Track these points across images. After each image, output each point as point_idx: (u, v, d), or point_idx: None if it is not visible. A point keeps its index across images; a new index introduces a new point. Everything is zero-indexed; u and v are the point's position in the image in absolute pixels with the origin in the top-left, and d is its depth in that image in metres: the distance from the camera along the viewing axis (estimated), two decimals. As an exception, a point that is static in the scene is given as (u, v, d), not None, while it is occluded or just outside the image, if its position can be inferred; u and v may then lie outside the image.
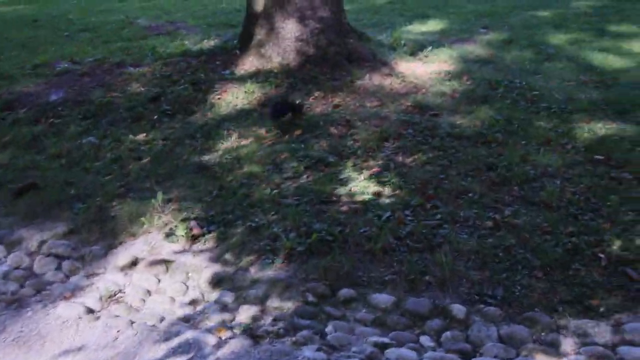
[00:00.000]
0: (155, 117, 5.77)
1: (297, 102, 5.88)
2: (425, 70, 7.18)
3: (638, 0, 12.12)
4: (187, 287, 3.46)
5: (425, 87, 6.67)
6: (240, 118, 5.82)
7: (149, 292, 3.44)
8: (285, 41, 6.97)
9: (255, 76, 6.61)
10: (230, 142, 5.29)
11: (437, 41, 8.68)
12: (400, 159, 4.93)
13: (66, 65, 7.00)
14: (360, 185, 4.48)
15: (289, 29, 6.95)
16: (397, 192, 4.38)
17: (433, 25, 10.03)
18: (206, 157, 4.99)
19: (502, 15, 11.09)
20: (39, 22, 10.18)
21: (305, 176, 4.63)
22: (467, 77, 6.97)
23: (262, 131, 5.46)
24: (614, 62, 7.85)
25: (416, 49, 8.02)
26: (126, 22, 10.11)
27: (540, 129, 5.53)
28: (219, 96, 6.21)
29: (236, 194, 4.34)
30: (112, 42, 8.49)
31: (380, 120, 5.78)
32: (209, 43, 7.67)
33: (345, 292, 3.30)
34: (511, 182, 4.52)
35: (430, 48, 8.06)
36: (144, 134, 5.44)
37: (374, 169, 4.72)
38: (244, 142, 5.32)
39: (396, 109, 6.06)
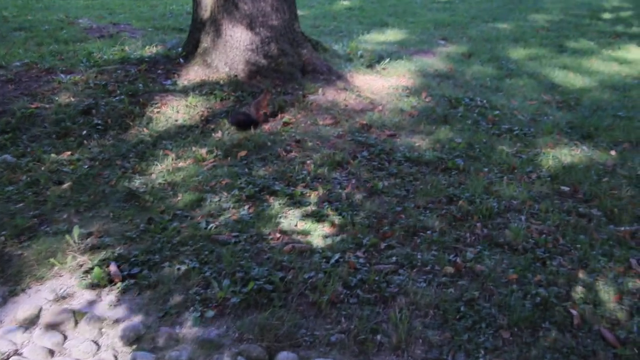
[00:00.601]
0: (85, 132, 5.19)
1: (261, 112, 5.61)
2: (383, 84, 6.78)
3: (594, 16, 12.02)
4: (99, 347, 2.93)
5: (382, 103, 6.25)
6: (180, 135, 5.29)
7: (51, 353, 2.89)
8: (234, 50, 6.46)
9: (200, 88, 6.08)
10: (166, 163, 4.76)
11: (395, 52, 8.30)
12: (353, 187, 4.48)
13: (-11, 69, 6.33)
14: (308, 219, 4.01)
15: (238, 37, 6.44)
16: (348, 227, 3.92)
17: (392, 35, 9.66)
18: (137, 182, 4.45)
19: (462, 26, 10.81)
20: (-31, 18, 9.39)
21: (247, 207, 4.14)
22: (426, 93, 6.59)
23: (203, 151, 4.95)
24: (575, 80, 7.60)
25: (374, 60, 7.62)
26: (66, 21, 9.42)
27: (504, 155, 5.17)
28: (157, 109, 5.66)
29: (167, 228, 3.82)
30: (46, 44, 7.82)
31: (333, 141, 5.33)
32: (151, 50, 7.09)
33: (284, 356, 2.82)
34: (473, 217, 4.12)
35: (388, 60, 7.67)
36: (69, 152, 4.85)
37: (323, 200, 4.26)
38: (181, 164, 4.79)
39: (350, 127, 5.62)
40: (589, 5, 13.39)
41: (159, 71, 6.41)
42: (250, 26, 6.43)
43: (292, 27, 6.76)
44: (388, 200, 4.34)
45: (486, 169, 4.91)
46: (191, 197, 4.23)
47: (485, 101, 6.54)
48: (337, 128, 5.62)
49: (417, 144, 5.35)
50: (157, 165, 4.74)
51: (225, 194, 4.31)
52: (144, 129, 5.31)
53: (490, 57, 8.52)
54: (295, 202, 4.23)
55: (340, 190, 4.43)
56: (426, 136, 5.55)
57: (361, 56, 7.68)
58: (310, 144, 5.22)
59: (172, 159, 4.83)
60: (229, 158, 4.91)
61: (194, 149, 5.00)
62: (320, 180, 4.59)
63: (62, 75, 6.14)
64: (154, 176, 4.57)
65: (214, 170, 4.68)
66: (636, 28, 11.09)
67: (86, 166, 4.63)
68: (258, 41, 6.47)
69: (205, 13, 6.62)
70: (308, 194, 4.34)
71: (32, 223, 3.82)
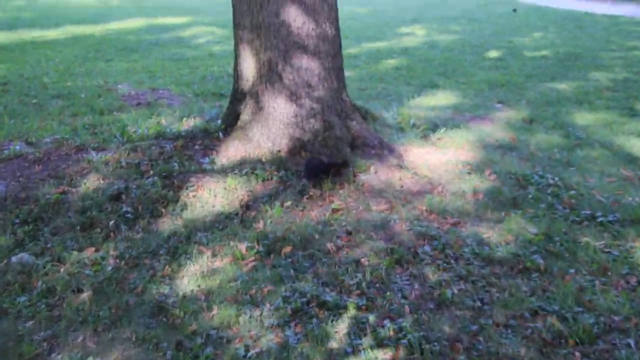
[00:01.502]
0: (112, 223, 4.66)
1: (336, 160, 5.62)
2: (440, 159, 6.13)
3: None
4: None
5: (441, 182, 5.59)
6: (217, 226, 4.71)
7: None
8: (276, 123, 5.92)
9: (239, 167, 5.54)
10: (201, 263, 4.17)
11: (450, 119, 7.67)
12: (417, 296, 3.80)
13: (18, 147, 5.92)
14: (365, 344, 3.33)
15: (280, 109, 5.91)
16: (416, 356, 3.23)
17: (443, 98, 9.06)
18: (167, 290, 3.85)
19: (517, 86, 10.15)
20: (7, 85, 9.17)
21: (292, 326, 3.49)
22: (489, 170, 5.91)
23: (242, 247, 4.34)
24: (655, 151, 6.81)
25: (427, 129, 7.01)
26: (104, 88, 9.12)
27: (590, 250, 4.42)
28: (194, 193, 5.11)
29: (198, 357, 3.19)
30: (81, 114, 7.45)
31: (388, 231, 4.68)
32: (188, 122, 6.62)
33: None
34: (568, 340, 3.38)
35: (443, 129, 7.03)
36: (93, 249, 4.31)
37: (384, 315, 3.58)
38: (217, 263, 4.19)
39: (408, 214, 4.97)
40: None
41: (196, 147, 5.91)
42: (295, 97, 5.91)
43: (340, 98, 6.22)
44: (460, 315, 3.63)
45: (572, 270, 4.17)
46: (228, 311, 3.61)
47: (557, 179, 5.81)
48: (393, 214, 4.97)
49: (485, 235, 4.65)
50: (191, 264, 4.15)
51: (268, 306, 3.67)
52: (178, 218, 4.76)
53: (554, 123, 7.81)
54: (350, 317, 3.56)
55: (402, 301, 3.75)
56: (495, 224, 4.86)
57: (414, 125, 7.08)
58: (363, 236, 4.58)
59: (208, 258, 4.24)
60: (272, 255, 4.29)
61: (232, 243, 4.40)
62: (377, 286, 3.92)
63: (94, 154, 5.69)
64: (186, 280, 3.97)
65: (255, 272, 4.06)
66: None
67: (110, 268, 4.07)
68: (303, 114, 5.93)
69: (247, 84, 6.14)
70: (364, 307, 3.66)
71: (41, 350, 3.24)
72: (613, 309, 3.69)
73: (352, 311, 3.61)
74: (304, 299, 3.72)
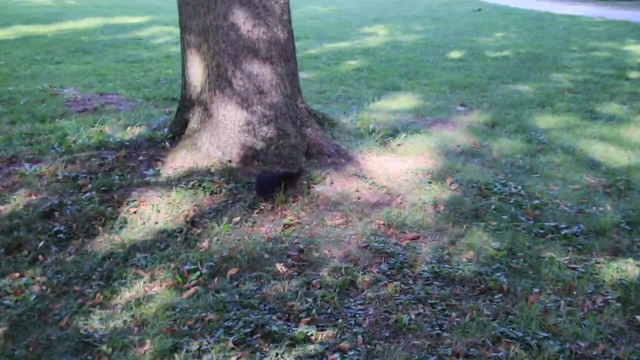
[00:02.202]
0: (42, 243, 4.26)
1: (290, 171, 5.32)
2: (400, 167, 5.86)
3: (620, 75, 11.19)
4: None
5: (400, 193, 5.32)
6: (158, 245, 4.35)
7: None
8: (227, 132, 5.58)
9: (186, 179, 5.18)
10: (137, 289, 3.81)
11: (411, 124, 7.42)
12: (372, 323, 3.50)
13: (-55, 159, 5.47)
14: (315, 380, 3.03)
15: (231, 117, 5.57)
16: (368, 394, 2.93)
17: (405, 101, 8.81)
18: (96, 322, 3.48)
19: (480, 88, 9.98)
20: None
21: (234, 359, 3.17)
22: (451, 179, 5.66)
23: (184, 270, 3.99)
24: (617, 156, 6.67)
25: (387, 135, 6.74)
26: (49, 92, 8.63)
27: (555, 267, 4.19)
28: (135, 209, 4.74)
29: (125, 403, 2.84)
30: (20, 121, 6.99)
31: (343, 248, 4.38)
32: (133, 131, 6.21)
33: None
34: (532, 372, 3.12)
35: (403, 135, 6.77)
36: (17, 275, 3.91)
37: (334, 347, 3.27)
38: (156, 288, 3.84)
39: (364, 229, 4.68)
40: (612, 62, 12.58)
41: (141, 157, 5.53)
42: (246, 104, 5.57)
43: (295, 104, 5.90)
44: (417, 344, 3.35)
45: (536, 289, 3.93)
46: (162, 344, 3.26)
47: (520, 187, 5.60)
48: (349, 230, 4.68)
49: (445, 252, 4.39)
50: (124, 291, 3.78)
51: (208, 338, 3.33)
52: (115, 237, 4.38)
53: (516, 127, 7.63)
54: (298, 350, 3.24)
55: (355, 329, 3.45)
56: (456, 238, 4.60)
57: (373, 131, 6.80)
58: (316, 254, 4.27)
59: (145, 282, 3.87)
60: (216, 279, 3.95)
61: (172, 265, 4.05)
62: (329, 311, 3.62)
63: (27, 166, 5.26)
64: (119, 309, 3.61)
65: (196, 299, 3.72)
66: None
67: (34, 297, 3.68)
68: (255, 121, 5.60)
69: (195, 90, 5.77)
70: (314, 336, 3.35)
71: (-58, 399, 2.85)
72: (579, 334, 3.45)
73: (300, 341, 3.29)
74: (248, 329, 3.39)
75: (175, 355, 3.21)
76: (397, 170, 5.82)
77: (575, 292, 3.90)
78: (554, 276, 4.08)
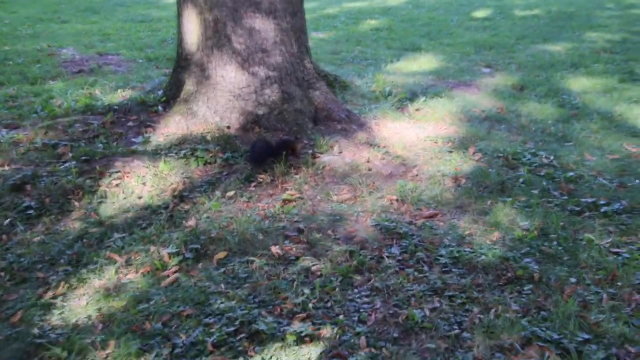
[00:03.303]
0: (7, 221, 3.78)
1: (288, 138, 4.79)
2: (418, 134, 5.27)
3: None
4: None
5: (417, 164, 4.74)
6: (139, 223, 3.85)
7: None
8: (225, 95, 5.02)
9: (178, 147, 4.65)
10: (108, 276, 3.31)
11: (431, 86, 6.78)
12: (378, 320, 2.98)
13: None
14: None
15: (230, 78, 5.01)
16: (370, 411, 2.42)
17: (426, 63, 8.13)
18: (54, 317, 3.00)
19: (507, 48, 9.24)
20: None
21: (212, 365, 2.67)
22: (474, 148, 5.05)
23: (165, 254, 3.48)
24: (661, 123, 5.97)
25: (405, 99, 6.12)
26: (45, 52, 8.11)
27: (594, 251, 3.60)
28: (117, 181, 4.23)
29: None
30: (10, 83, 6.49)
31: (349, 228, 3.84)
32: (124, 94, 5.68)
33: None
34: (570, 383, 2.57)
35: (423, 98, 6.15)
36: (-24, 258, 3.44)
37: (332, 353, 2.75)
38: (130, 275, 3.34)
39: (374, 205, 4.12)
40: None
41: (130, 123, 5.00)
42: (247, 64, 5.00)
43: (302, 64, 5.30)
44: (432, 347, 2.81)
45: (573, 280, 3.35)
46: (128, 346, 2.76)
47: (552, 157, 4.98)
48: (357, 206, 4.12)
49: (467, 232, 3.82)
50: (94, 279, 3.29)
51: (183, 338, 2.83)
52: (92, 214, 3.88)
53: (547, 89, 6.94)
54: (289, 355, 2.73)
55: (358, 327, 2.92)
56: (479, 217, 4.03)
57: (389, 94, 6.19)
58: (317, 235, 3.73)
59: (119, 268, 3.37)
60: (201, 263, 3.44)
61: (152, 248, 3.54)
62: (329, 305, 3.09)
63: (4, 132, 4.76)
64: (84, 301, 3.12)
65: (175, 288, 3.21)
66: None
67: (-9, 283, 3.20)
68: (256, 83, 5.03)
69: (191, 48, 5.20)
70: (308, 338, 2.83)
71: None
72: (627, 336, 2.89)
73: (291, 346, 2.78)
74: (232, 327, 2.88)
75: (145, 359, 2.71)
76: (414, 137, 5.23)
77: (619, 283, 3.32)
78: (594, 263, 3.50)
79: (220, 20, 4.93)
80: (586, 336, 2.89)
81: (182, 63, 5.33)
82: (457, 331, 2.94)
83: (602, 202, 4.23)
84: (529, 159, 4.93)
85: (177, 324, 2.95)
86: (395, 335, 2.91)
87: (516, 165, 4.82)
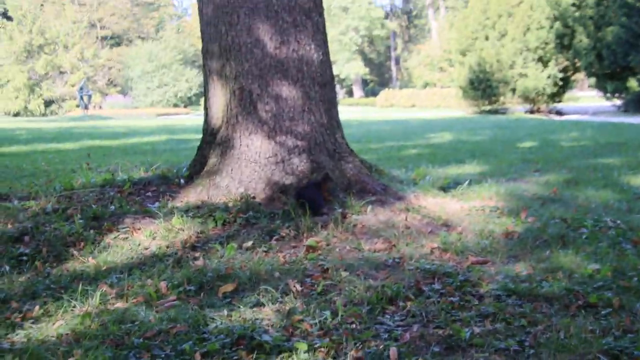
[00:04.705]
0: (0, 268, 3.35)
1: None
2: (462, 206, 4.76)
3: None
4: None
5: (461, 224, 4.19)
6: (142, 267, 3.36)
7: None
8: (250, 165, 4.70)
9: (196, 210, 4.26)
10: (93, 304, 2.79)
11: (477, 179, 6.34)
12: (414, 337, 2.33)
13: None
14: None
15: (255, 147, 4.72)
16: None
17: (470, 169, 7.76)
18: (20, 336, 2.47)
19: (556, 162, 8.81)
20: None
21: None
22: (526, 213, 4.49)
23: (162, 285, 2.96)
24: None
25: (448, 184, 5.67)
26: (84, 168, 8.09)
27: (687, 286, 2.91)
28: (125, 235, 3.82)
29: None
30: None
31: (383, 271, 3.26)
32: (148, 173, 5.44)
33: None
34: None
35: (467, 182, 5.69)
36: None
37: (352, 355, 2.11)
38: (119, 304, 2.80)
39: (413, 253, 3.55)
40: None
41: (149, 194, 4.69)
42: (273, 133, 4.73)
43: (333, 136, 5.01)
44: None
45: (665, 308, 2.65)
46: (93, 357, 2.18)
47: (619, 222, 4.35)
48: (393, 254, 3.56)
49: (524, 273, 3.18)
50: (74, 307, 2.77)
51: (167, 350, 2.24)
52: (90, 259, 3.43)
53: (604, 183, 6.39)
54: (295, 362, 2.11)
55: (389, 343, 2.28)
56: (537, 263, 3.40)
57: (430, 180, 5.76)
58: (344, 273, 3.16)
59: (109, 298, 2.85)
60: (203, 294, 2.90)
61: (150, 282, 3.02)
62: (353, 326, 2.47)
63: (15, 202, 4.48)
64: (57, 324, 2.58)
65: (169, 313, 2.66)
66: None
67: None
68: (284, 152, 4.72)
69: (217, 122, 5.01)
70: (321, 350, 2.20)
71: None
72: None
73: (300, 355, 2.15)
74: (228, 340, 2.29)
75: (111, 368, 2.13)
76: (458, 208, 4.72)
77: None
78: (689, 295, 2.80)
79: (245, 88, 4.76)
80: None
81: (207, 139, 5.11)
82: (516, 347, 2.26)
83: (688, 252, 3.56)
84: (591, 223, 4.32)
85: (163, 339, 2.37)
86: (437, 350, 2.25)
87: (577, 227, 4.22)
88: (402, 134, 17.02)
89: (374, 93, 44.59)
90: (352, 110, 33.52)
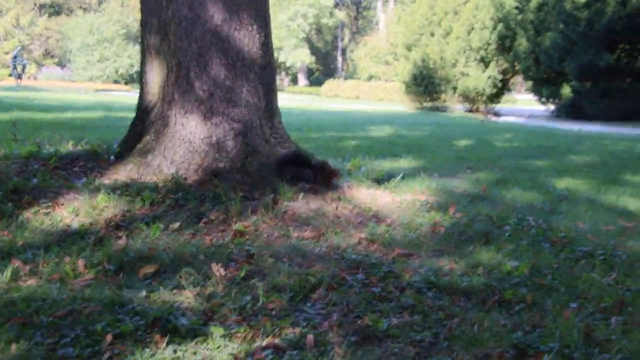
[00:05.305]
0: None
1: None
2: (393, 198, 4.81)
3: (641, 157, 10.30)
4: None
5: (390, 217, 4.24)
6: (60, 245, 3.25)
7: None
8: (184, 145, 4.62)
9: (124, 188, 4.15)
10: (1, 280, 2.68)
11: (411, 173, 6.42)
12: (333, 326, 2.34)
13: None
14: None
15: (191, 127, 4.64)
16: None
17: (406, 163, 7.87)
18: None
19: (489, 161, 9.04)
20: None
21: (106, 357, 2.00)
22: (454, 208, 4.58)
23: (80, 263, 2.87)
24: (658, 209, 5.56)
25: (382, 176, 5.72)
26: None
27: (596, 284, 3.03)
28: (45, 210, 3.68)
29: None
30: None
31: (310, 258, 3.26)
32: (75, 146, 5.26)
33: None
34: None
35: (400, 176, 5.76)
36: None
37: (267, 346, 2.10)
38: (31, 281, 2.70)
39: (341, 243, 3.57)
40: (630, 151, 11.73)
41: (76, 169, 4.53)
42: (210, 114, 4.65)
43: (270, 121, 4.97)
44: (400, 352, 2.17)
45: (574, 305, 2.76)
46: None
47: (541, 221, 4.50)
48: (321, 243, 3.57)
49: (447, 267, 3.25)
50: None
51: (77, 330, 2.17)
52: (4, 233, 3.29)
53: (532, 184, 6.60)
54: (210, 349, 2.08)
55: (306, 330, 2.28)
56: (460, 259, 3.47)
57: (366, 171, 5.81)
58: (270, 260, 3.14)
59: (20, 275, 2.75)
60: (123, 274, 2.83)
61: (67, 260, 2.93)
62: (273, 313, 2.46)
63: None
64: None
65: (84, 292, 2.58)
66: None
67: None
68: (219, 134, 4.65)
69: (153, 98, 4.89)
70: (240, 334, 2.19)
71: None
72: (646, 350, 2.26)
73: (215, 340, 2.13)
74: (142, 322, 2.24)
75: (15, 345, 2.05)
76: (390, 201, 4.77)
77: (629, 309, 2.73)
78: (598, 294, 2.92)
79: (183, 65, 4.66)
80: (595, 350, 2.26)
81: (141, 115, 4.98)
82: (431, 339, 2.31)
83: (599, 251, 3.71)
84: (515, 221, 4.45)
85: (76, 318, 2.29)
86: (354, 339, 2.27)
87: (502, 224, 4.33)
88: (343, 125, 17.11)
89: (318, 82, 44.56)
90: (296, 99, 33.43)
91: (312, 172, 4.71)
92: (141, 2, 4.96)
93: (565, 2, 19.75)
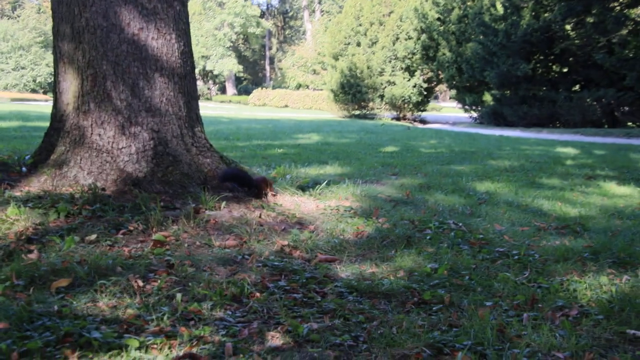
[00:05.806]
0: None
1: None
2: (317, 205, 4.84)
3: (557, 162, 10.77)
4: None
5: (314, 223, 4.26)
6: (-34, 260, 3.08)
7: None
8: (102, 155, 4.49)
9: (37, 200, 3.99)
10: None
11: (336, 180, 6.48)
12: (252, 333, 2.32)
13: None
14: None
15: (108, 137, 4.51)
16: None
17: (332, 169, 7.92)
18: None
19: (414, 167, 9.23)
20: None
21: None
22: (378, 212, 4.65)
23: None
24: (566, 209, 5.83)
25: (307, 184, 5.74)
26: None
27: (510, 283, 3.14)
28: (-52, 224, 3.48)
29: None
30: None
31: (232, 267, 3.23)
32: (-14, 158, 5.03)
33: None
34: (492, 384, 1.97)
35: (325, 182, 5.80)
36: None
37: (185, 356, 2.06)
38: None
39: (264, 250, 3.55)
40: (546, 155, 12.25)
41: (-16, 181, 4.32)
42: (128, 123, 4.54)
43: (192, 130, 4.90)
44: (319, 356, 2.17)
45: (489, 303, 2.84)
46: None
47: (460, 224, 4.63)
48: (243, 251, 3.54)
49: (368, 271, 3.29)
50: None
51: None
52: None
53: (454, 188, 6.78)
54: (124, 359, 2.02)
55: (224, 339, 2.25)
56: (382, 262, 3.52)
57: (290, 179, 5.81)
58: (190, 269, 3.09)
59: None
60: (33, 289, 2.71)
61: (-29, 276, 2.78)
62: (191, 323, 2.42)
63: None
64: None
65: (-12, 309, 2.45)
66: (607, 171, 9.75)
67: None
68: (138, 144, 4.54)
69: (67, 107, 4.72)
70: (155, 346, 2.13)
71: None
72: (554, 344, 2.35)
73: (130, 352, 2.07)
74: (53, 337, 2.15)
75: None
76: (314, 207, 4.79)
77: (540, 305, 2.84)
78: (511, 292, 3.02)
79: (99, 74, 4.53)
80: (507, 345, 2.34)
81: (55, 125, 4.81)
82: (351, 342, 2.32)
83: (514, 252, 3.85)
84: (436, 225, 4.55)
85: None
86: (273, 346, 2.25)
87: (423, 228, 4.43)
88: (271, 134, 17.09)
89: (247, 91, 44.43)
90: (224, 107, 33.15)
91: (250, 189, 4.73)
92: (52, 9, 4.79)
93: (483, 15, 20.48)
